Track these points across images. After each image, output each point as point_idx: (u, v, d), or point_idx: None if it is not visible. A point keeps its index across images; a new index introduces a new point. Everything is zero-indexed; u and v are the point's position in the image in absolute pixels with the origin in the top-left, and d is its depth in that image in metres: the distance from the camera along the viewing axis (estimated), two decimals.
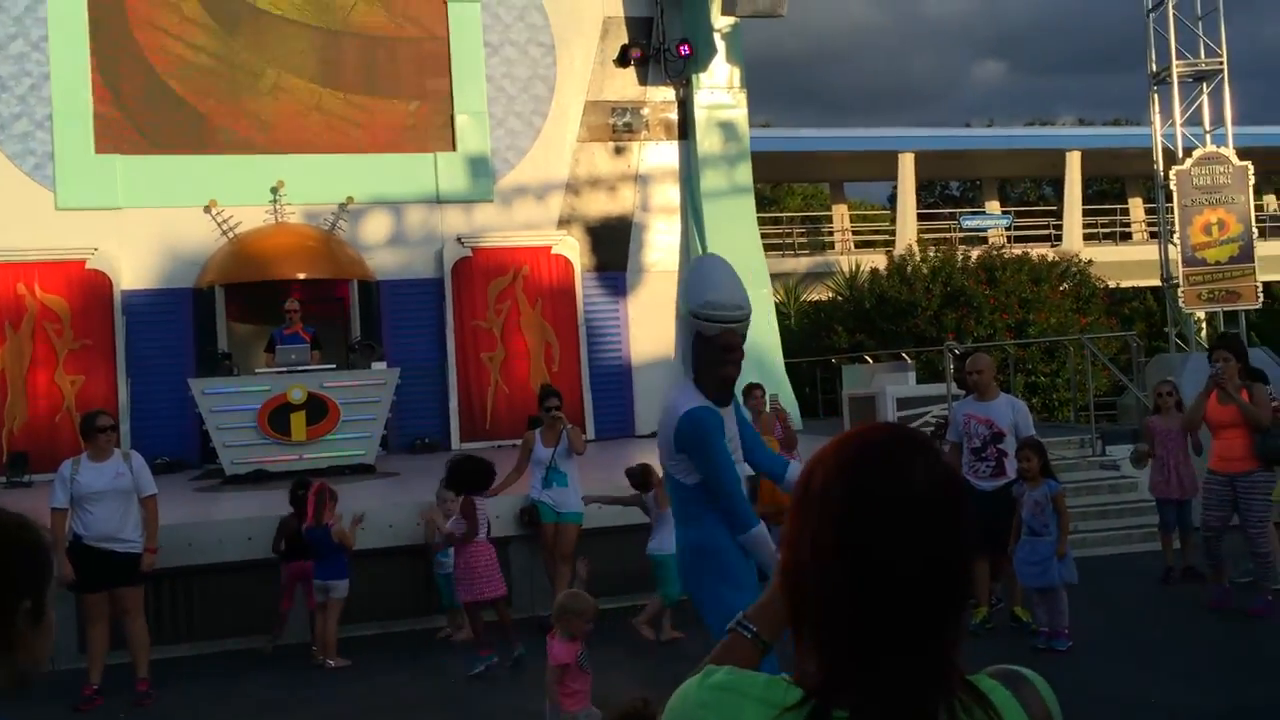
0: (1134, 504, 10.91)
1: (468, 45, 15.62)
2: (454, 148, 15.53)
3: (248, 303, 14.54)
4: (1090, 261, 24.47)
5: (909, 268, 22.39)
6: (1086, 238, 31.47)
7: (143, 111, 14.69)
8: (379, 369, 12.26)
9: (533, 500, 8.73)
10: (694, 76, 16.13)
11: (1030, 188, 46.00)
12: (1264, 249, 18.06)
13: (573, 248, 15.78)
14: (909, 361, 17.37)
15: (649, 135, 16.32)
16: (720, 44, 16.09)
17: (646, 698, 4.21)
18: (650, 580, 7.95)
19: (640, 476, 8.09)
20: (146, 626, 7.25)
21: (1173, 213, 14.85)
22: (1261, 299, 15.41)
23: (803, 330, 23.35)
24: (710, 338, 4.01)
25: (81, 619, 7.14)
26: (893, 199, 36.03)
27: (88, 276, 14.23)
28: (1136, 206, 34.52)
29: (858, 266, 25.19)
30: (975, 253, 23.24)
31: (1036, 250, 24.66)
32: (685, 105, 16.32)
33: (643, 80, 16.26)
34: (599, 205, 16.08)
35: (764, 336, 15.76)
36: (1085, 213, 32.06)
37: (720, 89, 16.26)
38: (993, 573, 8.06)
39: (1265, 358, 12.33)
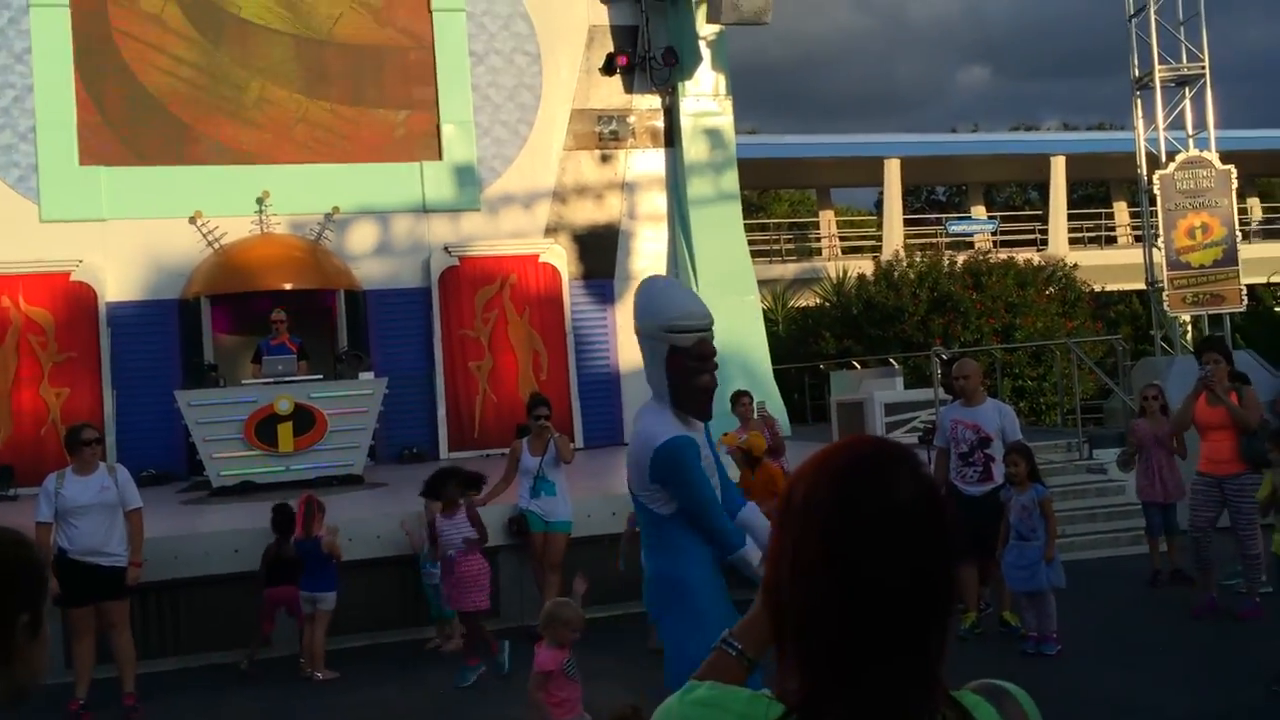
0: (1121, 507, 10.94)
1: (453, 54, 15.61)
2: (440, 157, 15.52)
3: (234, 314, 14.50)
4: (1076, 265, 24.56)
5: (896, 273, 22.43)
6: (1072, 242, 31.59)
7: (127, 123, 14.65)
8: (366, 379, 12.23)
9: (521, 509, 8.72)
10: (680, 84, 16.14)
11: (1016, 192, 46.17)
12: (1248, 252, 18.13)
13: (560, 256, 15.78)
14: (896, 367, 17.38)
15: (635, 143, 16.34)
16: (705, 51, 16.11)
17: (636, 705, 4.20)
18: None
19: None
20: (133, 640, 7.21)
21: (1157, 217, 14.91)
22: (1246, 302, 15.48)
23: (790, 337, 23.37)
24: (686, 349, 3.94)
25: (67, 633, 7.10)
26: (879, 205, 36.12)
27: (72, 288, 14.16)
28: (1121, 210, 34.66)
29: (845, 272, 25.22)
30: (961, 258, 23.29)
31: (1022, 255, 24.73)
32: (671, 113, 16.34)
33: (628, 88, 16.27)
34: (586, 213, 16.08)
35: (751, 343, 15.78)
36: (1070, 217, 32.19)
37: (706, 96, 16.28)
38: (981, 578, 8.08)
39: (1250, 361, 12.38)
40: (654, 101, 16.36)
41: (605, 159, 16.22)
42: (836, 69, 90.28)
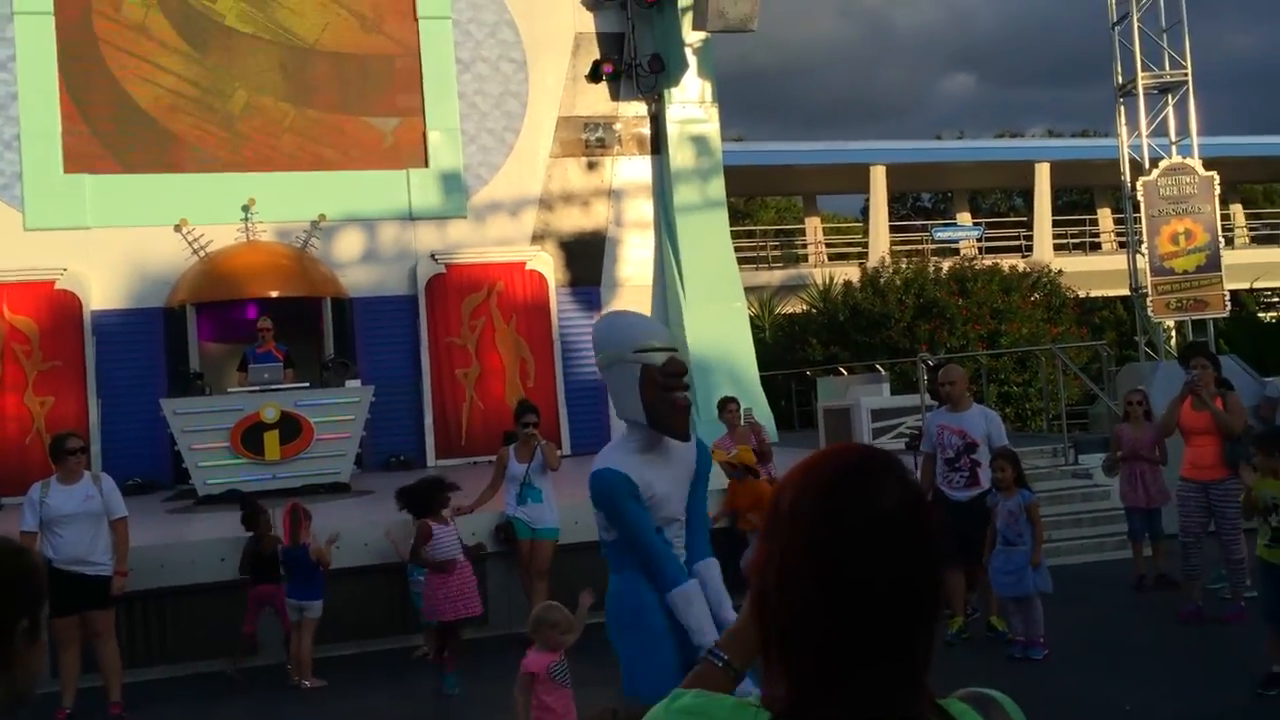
0: (1107, 512, 10.98)
1: (439, 62, 15.61)
2: (427, 164, 15.51)
3: (219, 322, 14.46)
4: (1060, 272, 24.67)
5: (882, 280, 22.50)
6: (1056, 248, 31.74)
7: (112, 131, 14.60)
8: (353, 387, 12.19)
9: (508, 516, 8.72)
10: (666, 91, 16.17)
11: (1000, 199, 46.35)
12: (1231, 258, 18.24)
13: (547, 263, 15.78)
14: (883, 373, 17.43)
15: (622, 150, 16.36)
16: (691, 59, 16.14)
17: (615, 709, 4.20)
18: None
19: None
20: (118, 649, 7.18)
21: (1140, 223, 14.98)
22: (1229, 307, 15.57)
23: (777, 343, 23.41)
24: (659, 367, 3.93)
25: (53, 643, 7.06)
26: (865, 211, 36.22)
27: (57, 297, 14.11)
28: (1105, 217, 34.83)
29: (831, 279, 25.28)
30: (947, 264, 23.38)
31: (1007, 261, 24.84)
32: (658, 120, 16.37)
33: (615, 95, 16.30)
34: (573, 221, 16.08)
35: (738, 350, 15.81)
36: (1055, 223, 32.34)
37: (692, 103, 16.31)
38: (968, 583, 8.10)
39: (1234, 366, 12.45)
40: (640, 109, 16.39)
41: (592, 166, 16.23)
42: (822, 76, 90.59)
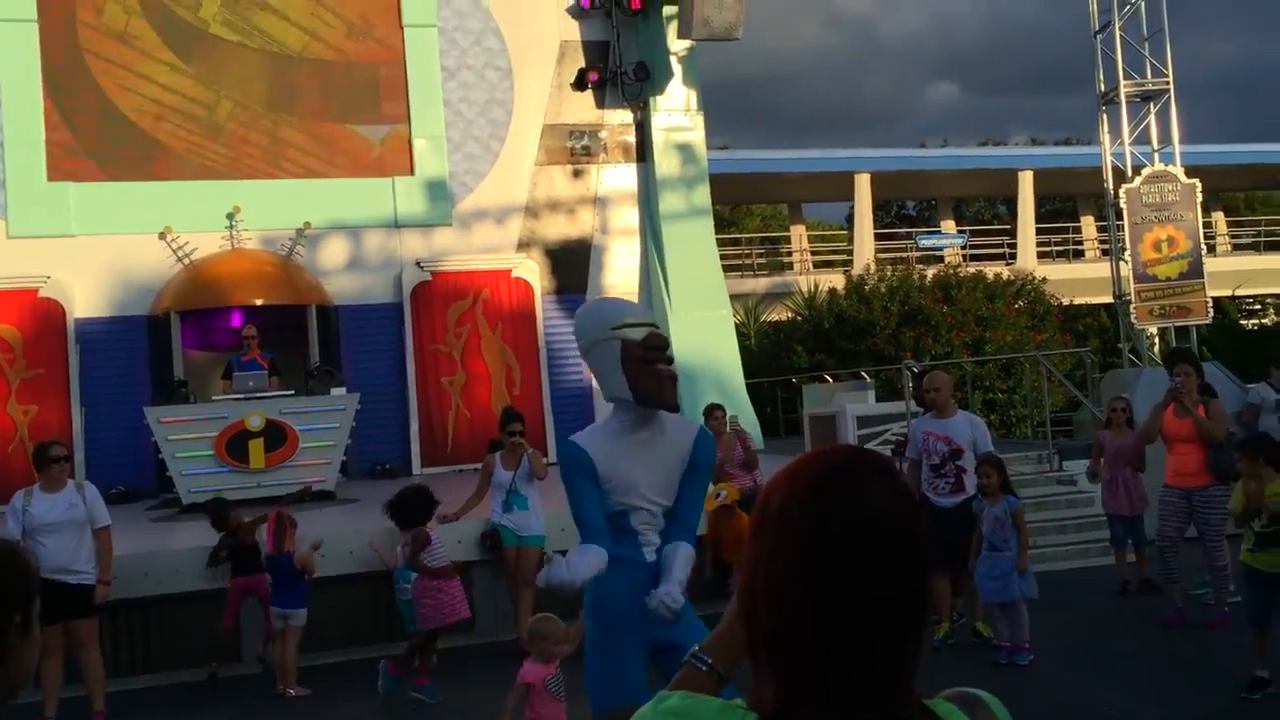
0: (1091, 518, 11.01)
1: (424, 70, 15.60)
2: (412, 172, 15.49)
3: (204, 330, 14.40)
4: (1044, 279, 24.77)
5: (867, 287, 22.56)
6: (1040, 255, 31.87)
7: (96, 138, 14.55)
8: (338, 395, 12.16)
9: (494, 524, 8.70)
10: (651, 99, 16.20)
11: (984, 207, 46.53)
12: (1213, 265, 18.35)
13: (532, 271, 15.77)
14: (868, 380, 17.46)
15: (607, 158, 16.37)
16: (677, 67, 16.17)
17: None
18: None
19: None
20: (102, 658, 7.14)
21: (1123, 230, 15.06)
22: (1211, 314, 15.66)
23: (763, 350, 23.44)
24: (638, 341, 3.89)
25: None
26: (850, 219, 36.32)
27: (40, 305, 14.03)
28: (1088, 224, 35.00)
29: (816, 286, 25.33)
30: (931, 271, 23.45)
31: (992, 268, 24.93)
32: (643, 128, 16.39)
33: (600, 103, 16.31)
34: (558, 228, 16.08)
35: (724, 357, 15.82)
36: (1038, 231, 32.47)
37: (677, 111, 16.33)
38: (954, 589, 8.12)
39: (1216, 372, 12.51)
40: (626, 117, 16.41)
41: (577, 174, 16.24)
42: (807, 85, 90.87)
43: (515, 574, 8.54)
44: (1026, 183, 31.91)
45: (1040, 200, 34.23)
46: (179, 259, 14.42)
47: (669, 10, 15.82)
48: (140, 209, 14.33)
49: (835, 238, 40.54)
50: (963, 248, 32.26)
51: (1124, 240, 15.07)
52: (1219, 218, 35.62)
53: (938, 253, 31.73)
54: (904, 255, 30.42)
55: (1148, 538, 9.20)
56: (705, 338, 15.60)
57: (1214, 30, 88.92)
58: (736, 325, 18.77)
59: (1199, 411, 8.07)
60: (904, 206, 48.58)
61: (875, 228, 33.01)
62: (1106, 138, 15.68)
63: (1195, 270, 14.78)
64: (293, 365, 13.70)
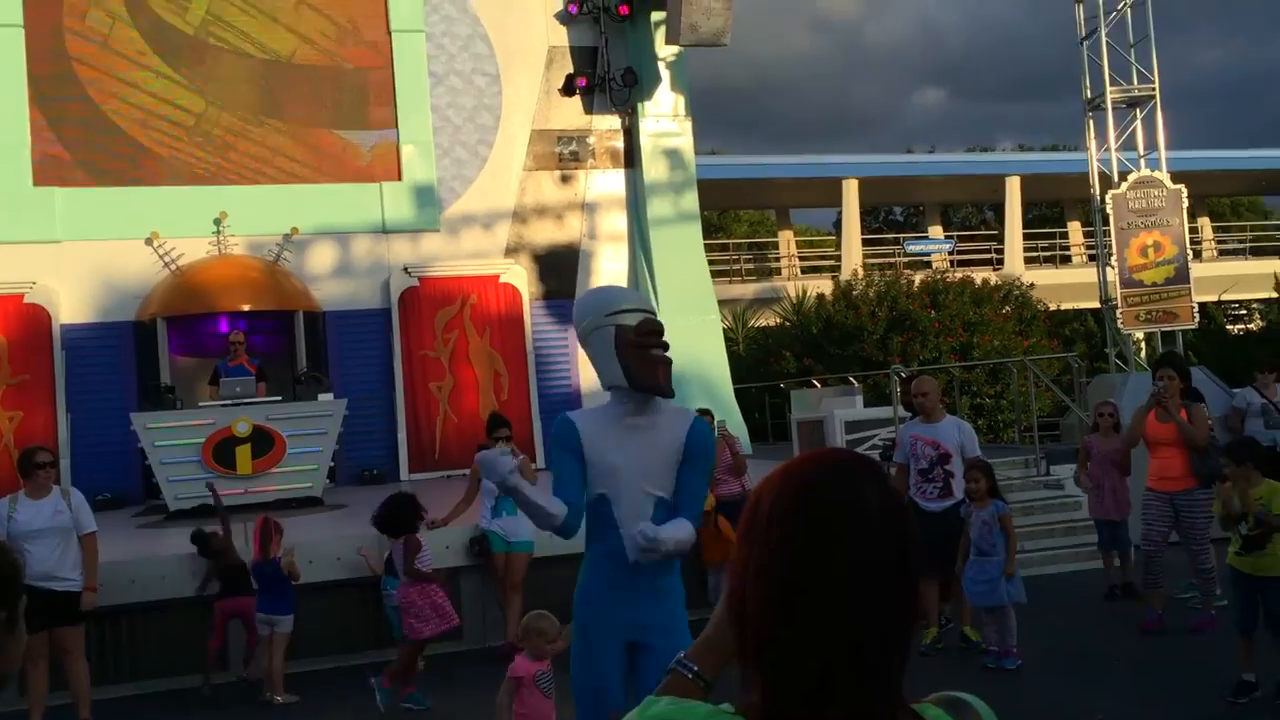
0: (1078, 523, 11.04)
1: (412, 75, 15.58)
2: (400, 178, 15.47)
3: (191, 336, 14.35)
4: (1031, 284, 24.87)
5: (855, 292, 22.62)
6: (1027, 261, 31.99)
7: (82, 143, 14.48)
8: (326, 400, 12.13)
9: (483, 530, 8.68)
10: (639, 105, 16.21)
11: (972, 212, 46.69)
12: (1199, 270, 18.44)
13: (520, 276, 15.76)
14: (856, 385, 17.49)
15: (595, 164, 16.37)
16: (665, 73, 16.19)
17: None
18: None
19: None
20: (88, 666, 7.09)
21: (1110, 236, 15.11)
22: (1198, 319, 15.71)
23: (751, 356, 23.47)
24: (632, 326, 3.88)
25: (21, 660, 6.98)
26: (838, 225, 36.40)
27: (26, 310, 13.96)
28: (1075, 230, 35.14)
29: (804, 292, 25.39)
30: (919, 277, 23.52)
31: (979, 274, 25.03)
32: (631, 134, 16.39)
33: (588, 109, 16.32)
34: (546, 234, 16.08)
35: (712, 362, 15.82)
36: (1025, 236, 32.60)
37: (665, 117, 16.35)
38: (942, 593, 8.13)
39: (1202, 377, 12.56)
40: (614, 122, 16.41)
41: (565, 179, 16.24)
42: (795, 90, 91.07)
43: (504, 579, 8.53)
44: (1014, 188, 32.02)
45: (1027, 206, 34.37)
46: (166, 265, 14.37)
47: (657, 16, 15.84)
48: (127, 214, 14.28)
49: (823, 243, 40.63)
50: (950, 253, 32.37)
51: (1110, 245, 15.11)
52: (1205, 223, 35.79)
53: (925, 258, 31.82)
54: (892, 261, 30.50)
55: (1131, 542, 9.23)
56: (693, 343, 15.57)
57: (1200, 37, 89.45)
58: (725, 331, 18.78)
59: (1181, 415, 8.09)
60: (892, 212, 48.72)
61: (863, 233, 33.09)
62: (1093, 143, 15.73)
63: (1181, 276, 14.84)
64: (280, 371, 13.67)
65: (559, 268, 16.02)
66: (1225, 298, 27.73)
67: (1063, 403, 15.20)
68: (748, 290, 29.25)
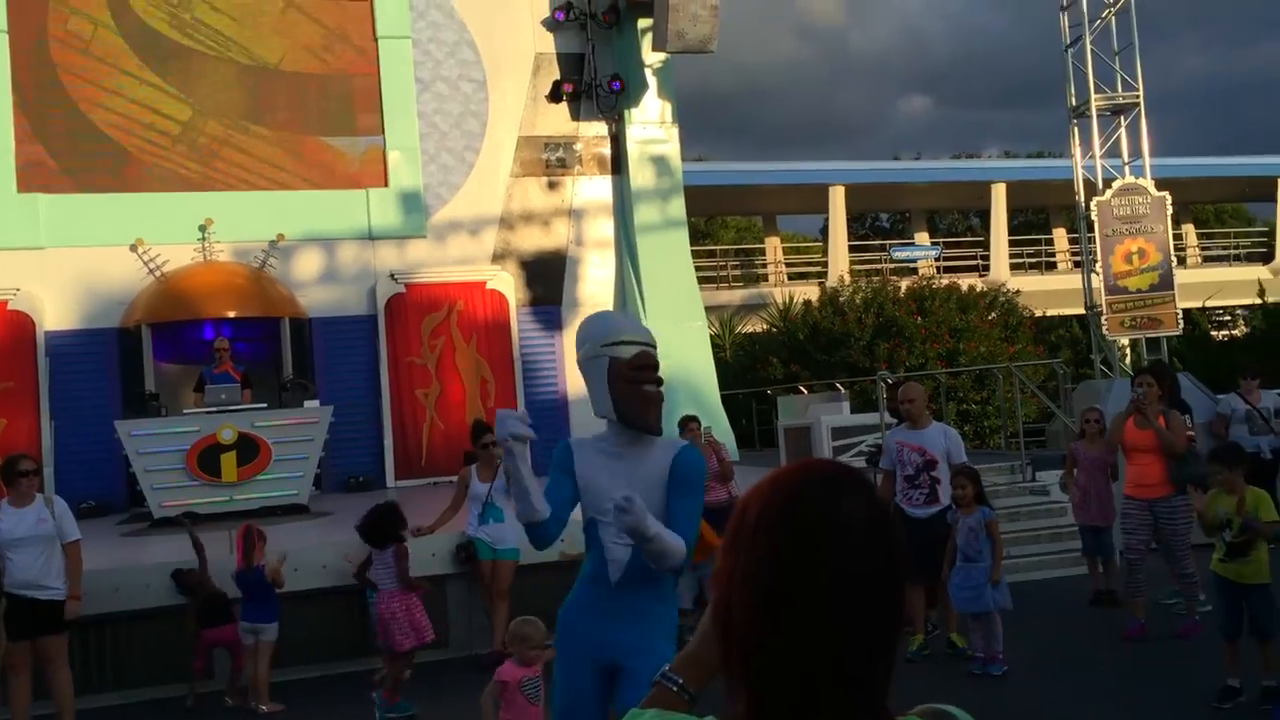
0: (1064, 529, 11.07)
1: (399, 81, 15.57)
2: (386, 184, 15.45)
3: (176, 342, 14.29)
4: (1017, 291, 24.95)
5: (841, 299, 22.67)
6: (1013, 267, 32.10)
7: (66, 149, 14.43)
8: (311, 407, 12.10)
9: (469, 537, 8.67)
10: (626, 111, 16.22)
11: (958, 219, 46.84)
12: (1183, 277, 18.53)
13: (507, 283, 15.74)
14: (843, 392, 17.52)
15: (582, 170, 16.38)
16: (651, 79, 16.21)
17: None
18: None
19: None
20: (71, 676, 7.04)
21: (1095, 242, 15.18)
22: (1182, 326, 15.79)
23: (738, 362, 23.49)
24: (626, 360, 3.85)
25: (3, 669, 6.93)
26: (824, 231, 36.48)
27: (9, 317, 13.89)
28: (1060, 237, 35.27)
29: (791, 298, 25.43)
30: (905, 283, 23.59)
31: (965, 280, 25.12)
32: (618, 140, 16.41)
33: (575, 115, 16.33)
34: (533, 240, 16.07)
35: (699, 369, 15.82)
36: (1011, 243, 32.71)
37: (652, 124, 16.36)
38: (928, 600, 8.13)
39: (1187, 383, 12.62)
40: (601, 129, 16.42)
41: (552, 186, 16.24)
42: (782, 97, 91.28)
43: (490, 586, 8.51)
44: (999, 195, 32.14)
45: (1013, 213, 34.49)
46: (150, 271, 14.32)
47: (644, 23, 15.86)
48: (111, 220, 14.23)
49: (810, 250, 40.70)
50: (936, 260, 32.46)
51: (1095, 252, 15.18)
52: (1189, 230, 35.97)
53: (911, 265, 31.91)
54: (878, 267, 30.57)
55: (1115, 549, 9.26)
56: (680, 349, 15.58)
57: (1185, 44, 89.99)
58: (711, 337, 18.80)
59: (1159, 422, 8.11)
60: (878, 219, 48.85)
61: (849, 240, 33.17)
62: (1078, 151, 15.81)
63: (1166, 282, 14.91)
64: (266, 378, 13.62)
65: (546, 274, 16.02)
66: (1210, 304, 27.88)
67: (1048, 409, 15.25)
68: (735, 296, 29.29)
